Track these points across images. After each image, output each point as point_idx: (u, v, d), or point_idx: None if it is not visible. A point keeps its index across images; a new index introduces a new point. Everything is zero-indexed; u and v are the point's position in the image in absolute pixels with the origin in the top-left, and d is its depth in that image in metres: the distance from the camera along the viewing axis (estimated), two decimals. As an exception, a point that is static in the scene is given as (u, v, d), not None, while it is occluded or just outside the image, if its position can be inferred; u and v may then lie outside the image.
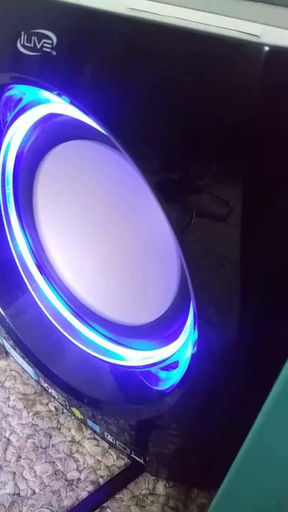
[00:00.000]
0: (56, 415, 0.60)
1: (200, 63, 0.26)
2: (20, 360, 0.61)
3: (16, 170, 0.50)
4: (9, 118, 0.47)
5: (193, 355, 0.36)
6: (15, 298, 0.57)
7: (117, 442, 0.53)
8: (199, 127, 0.27)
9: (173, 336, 0.43)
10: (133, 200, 0.40)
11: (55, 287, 0.56)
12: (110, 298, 0.49)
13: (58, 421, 0.59)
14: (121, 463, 0.55)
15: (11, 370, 0.65)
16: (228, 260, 0.30)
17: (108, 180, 0.41)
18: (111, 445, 0.55)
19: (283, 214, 0.29)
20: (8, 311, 0.58)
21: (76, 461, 0.55)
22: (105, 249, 0.46)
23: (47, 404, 0.61)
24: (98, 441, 0.57)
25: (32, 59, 0.34)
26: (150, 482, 0.53)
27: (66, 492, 0.52)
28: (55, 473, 0.54)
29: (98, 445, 0.57)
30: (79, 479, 0.53)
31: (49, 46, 0.32)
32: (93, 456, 0.56)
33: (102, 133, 0.35)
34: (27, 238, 0.55)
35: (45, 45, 0.32)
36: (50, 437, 0.57)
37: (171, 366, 0.44)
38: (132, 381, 0.48)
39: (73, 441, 0.57)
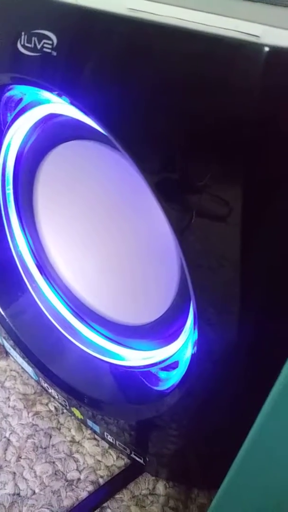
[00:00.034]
0: (56, 415, 0.60)
1: (200, 63, 0.26)
2: (20, 360, 0.61)
3: (16, 170, 0.50)
4: (9, 119, 0.47)
5: (193, 355, 0.36)
6: (15, 298, 0.57)
7: (117, 442, 0.53)
8: (199, 127, 0.27)
9: (173, 336, 0.43)
10: (133, 200, 0.40)
11: (55, 287, 0.56)
12: (110, 298, 0.49)
13: (58, 421, 0.59)
14: (121, 463, 0.55)
15: (11, 370, 0.65)
16: (228, 260, 0.30)
17: (108, 180, 0.41)
18: (111, 445, 0.55)
19: (283, 214, 0.29)
20: (8, 311, 0.58)
21: (76, 461, 0.55)
22: (105, 249, 0.46)
23: (47, 404, 0.61)
24: (98, 441, 0.57)
25: (33, 60, 0.34)
26: (150, 482, 0.53)
27: (66, 492, 0.52)
28: (55, 473, 0.54)
29: (98, 445, 0.57)
30: (79, 479, 0.53)
31: (49, 46, 0.32)
32: (93, 456, 0.56)
33: (102, 133, 0.35)
34: (27, 238, 0.55)
35: (45, 45, 0.33)
36: (50, 437, 0.57)
37: (171, 366, 0.44)
38: (132, 381, 0.48)
39: (73, 441, 0.57)
